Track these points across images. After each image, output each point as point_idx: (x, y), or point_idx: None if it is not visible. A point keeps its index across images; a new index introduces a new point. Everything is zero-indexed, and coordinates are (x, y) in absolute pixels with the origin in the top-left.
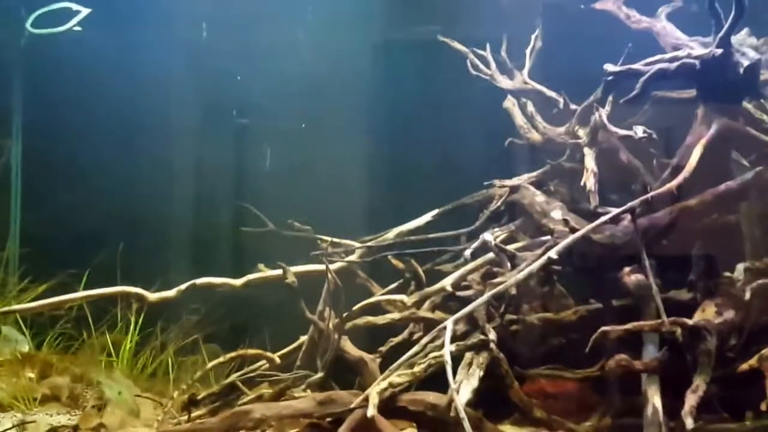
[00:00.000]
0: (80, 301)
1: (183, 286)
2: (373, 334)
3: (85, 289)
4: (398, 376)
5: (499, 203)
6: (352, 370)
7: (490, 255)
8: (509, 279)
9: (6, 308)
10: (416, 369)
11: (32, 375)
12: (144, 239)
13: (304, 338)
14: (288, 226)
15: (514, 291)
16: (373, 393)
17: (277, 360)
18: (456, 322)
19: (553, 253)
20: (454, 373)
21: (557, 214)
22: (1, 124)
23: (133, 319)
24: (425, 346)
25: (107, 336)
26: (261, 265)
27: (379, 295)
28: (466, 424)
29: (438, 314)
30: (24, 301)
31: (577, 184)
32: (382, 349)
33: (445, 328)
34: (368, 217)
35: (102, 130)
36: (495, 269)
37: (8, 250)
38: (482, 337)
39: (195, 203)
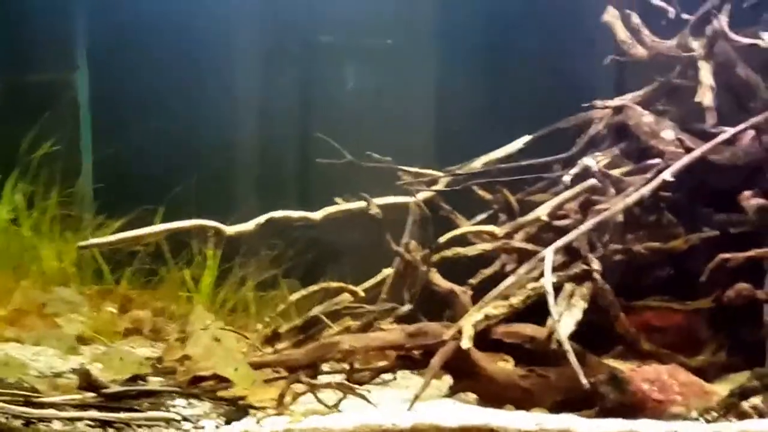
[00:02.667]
0: (158, 236)
1: (261, 219)
2: (461, 267)
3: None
4: (494, 307)
5: (600, 126)
6: (441, 303)
7: (589, 182)
8: (617, 205)
9: (85, 242)
10: (514, 300)
11: (113, 309)
12: (220, 172)
13: (387, 272)
14: (366, 157)
15: (620, 218)
16: (468, 325)
17: (361, 293)
18: (555, 252)
19: (667, 175)
20: None
21: (669, 134)
22: (65, 55)
23: (210, 254)
24: (522, 276)
25: (185, 271)
26: (339, 199)
27: (467, 226)
28: (572, 357)
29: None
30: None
31: (690, 103)
32: (472, 281)
33: (544, 257)
34: (452, 147)
35: (173, 57)
36: (594, 197)
37: (81, 186)
38: (585, 267)
39: (272, 133)
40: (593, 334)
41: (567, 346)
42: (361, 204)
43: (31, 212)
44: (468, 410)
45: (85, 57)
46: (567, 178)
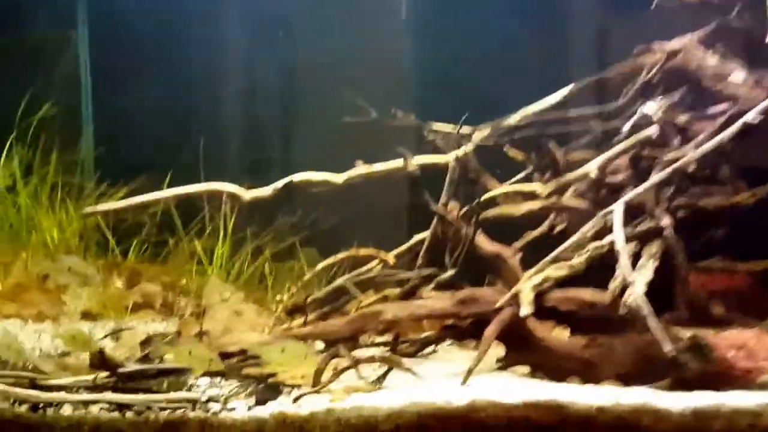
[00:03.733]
0: (167, 200)
1: (279, 184)
2: (500, 230)
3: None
4: (554, 269)
5: (652, 72)
6: (485, 268)
7: (648, 131)
8: (690, 154)
9: (90, 208)
10: (575, 261)
11: (120, 283)
12: (229, 135)
13: (420, 237)
14: (391, 114)
15: (692, 167)
16: (527, 289)
17: (392, 260)
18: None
19: (751, 117)
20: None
21: (739, 75)
22: (64, 12)
23: (221, 223)
24: (585, 234)
25: (196, 242)
26: (359, 161)
27: (506, 185)
28: (652, 321)
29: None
30: None
31: (754, 44)
32: (517, 244)
33: (608, 213)
34: (483, 103)
35: (178, 12)
36: (647, 151)
37: (82, 151)
38: (655, 223)
39: (284, 89)
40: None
41: (647, 309)
42: (388, 165)
43: (29, 179)
44: (529, 385)
45: (86, 14)
46: (626, 127)
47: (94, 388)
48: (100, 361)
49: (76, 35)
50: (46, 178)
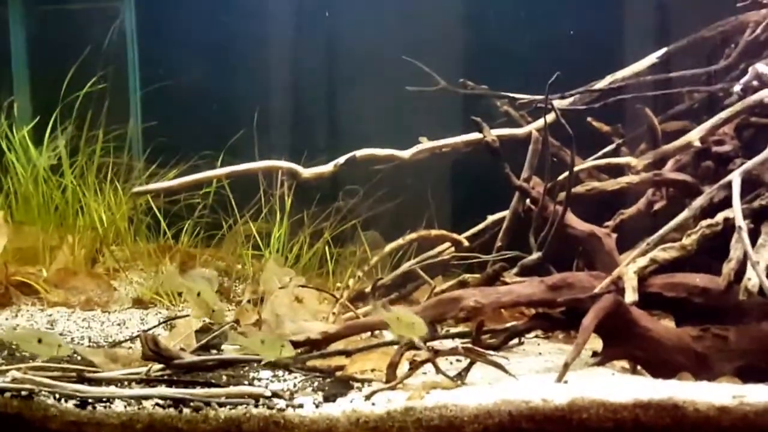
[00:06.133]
0: (223, 178)
1: (341, 160)
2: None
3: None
4: (662, 250)
5: (757, 30)
6: (572, 250)
7: (752, 99)
8: None
9: (141, 188)
10: (686, 241)
11: (173, 268)
12: (286, 113)
13: (495, 217)
14: (461, 84)
15: None
16: (630, 273)
17: (465, 242)
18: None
19: None
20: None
21: None
22: None
23: (277, 206)
24: (696, 210)
25: (251, 224)
26: (423, 138)
27: (591, 160)
28: None
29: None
30: None
31: None
32: (609, 224)
33: (724, 186)
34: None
35: None
36: (753, 118)
37: (130, 129)
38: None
39: (341, 65)
40: None
41: None
42: (457, 138)
43: (75, 159)
44: (636, 382)
45: None
46: (738, 88)
47: (148, 381)
48: (154, 351)
49: (122, 4)
50: (93, 158)
